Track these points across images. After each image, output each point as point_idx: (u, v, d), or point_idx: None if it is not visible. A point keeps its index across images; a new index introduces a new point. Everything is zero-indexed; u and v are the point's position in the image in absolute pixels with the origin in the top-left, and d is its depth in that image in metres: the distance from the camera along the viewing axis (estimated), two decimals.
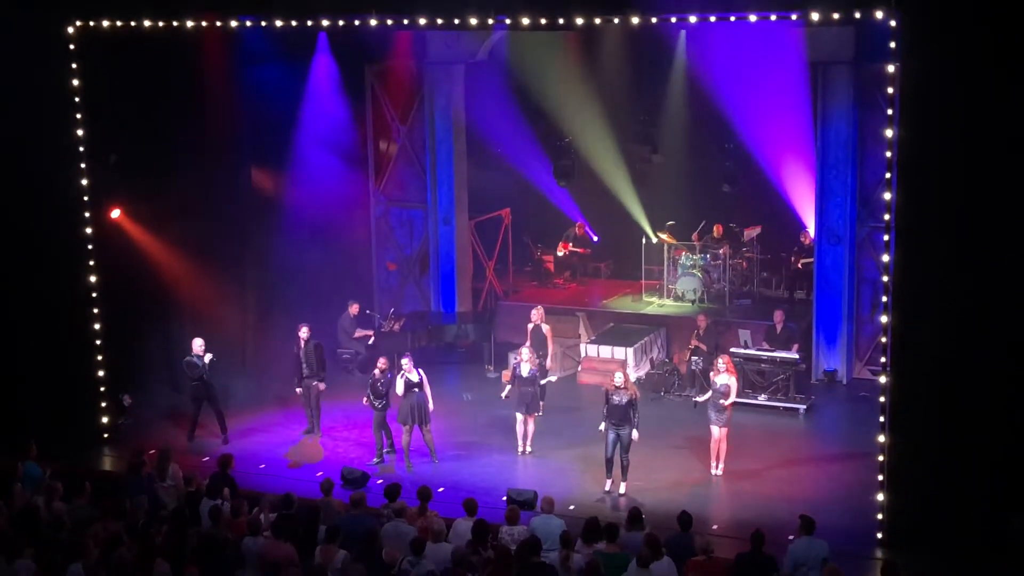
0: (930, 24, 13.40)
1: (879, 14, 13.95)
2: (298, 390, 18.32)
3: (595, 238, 24.95)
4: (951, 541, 13.61)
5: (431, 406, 17.02)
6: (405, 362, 16.99)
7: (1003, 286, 13.47)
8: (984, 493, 13.60)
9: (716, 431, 16.59)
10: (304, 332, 18.16)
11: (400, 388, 16.90)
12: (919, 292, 13.80)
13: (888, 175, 13.94)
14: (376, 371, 17.30)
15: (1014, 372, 13.52)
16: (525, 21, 15.71)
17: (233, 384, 19.53)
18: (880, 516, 14.34)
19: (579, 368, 21.15)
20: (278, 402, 19.44)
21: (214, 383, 17.89)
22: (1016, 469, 13.54)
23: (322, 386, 18.19)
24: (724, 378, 16.68)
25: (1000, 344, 13.53)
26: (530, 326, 19.35)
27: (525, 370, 17.27)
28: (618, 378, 16.02)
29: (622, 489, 16.04)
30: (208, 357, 17.71)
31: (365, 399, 17.28)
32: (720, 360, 17.00)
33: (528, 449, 17.46)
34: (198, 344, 17.79)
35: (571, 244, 24.58)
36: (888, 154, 13.92)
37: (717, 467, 16.64)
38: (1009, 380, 13.54)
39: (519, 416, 17.35)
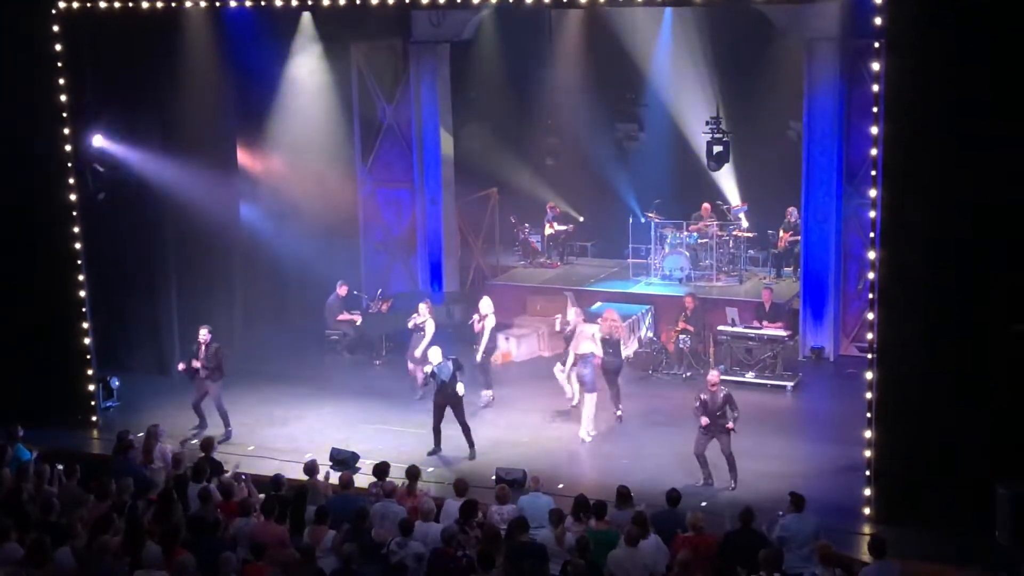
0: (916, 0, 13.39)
1: None
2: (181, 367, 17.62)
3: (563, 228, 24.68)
4: (939, 516, 13.65)
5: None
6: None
7: (989, 263, 13.46)
8: (971, 468, 13.63)
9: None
10: (204, 335, 17.32)
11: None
12: (906, 269, 13.80)
13: (874, 151, 13.92)
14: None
15: (1002, 348, 13.53)
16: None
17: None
18: (868, 492, 14.39)
19: None
20: (267, 383, 19.41)
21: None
22: (1003, 444, 13.57)
23: (215, 386, 17.24)
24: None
25: (987, 319, 13.55)
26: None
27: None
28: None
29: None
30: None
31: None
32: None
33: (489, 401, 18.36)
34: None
35: (555, 223, 24.53)
36: (874, 130, 13.89)
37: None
38: (997, 356, 13.56)
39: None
